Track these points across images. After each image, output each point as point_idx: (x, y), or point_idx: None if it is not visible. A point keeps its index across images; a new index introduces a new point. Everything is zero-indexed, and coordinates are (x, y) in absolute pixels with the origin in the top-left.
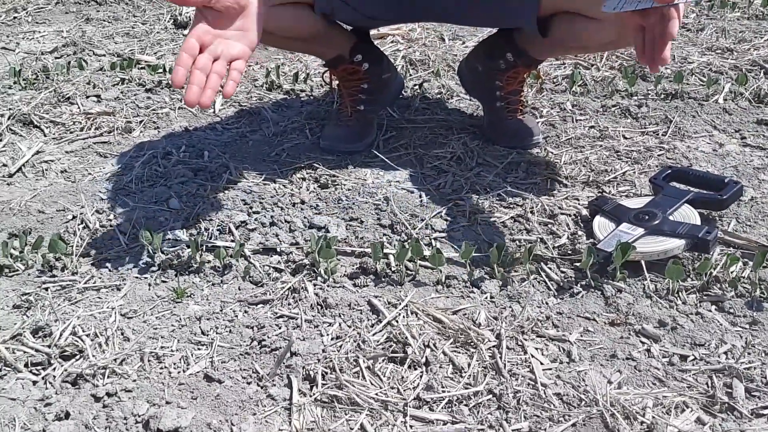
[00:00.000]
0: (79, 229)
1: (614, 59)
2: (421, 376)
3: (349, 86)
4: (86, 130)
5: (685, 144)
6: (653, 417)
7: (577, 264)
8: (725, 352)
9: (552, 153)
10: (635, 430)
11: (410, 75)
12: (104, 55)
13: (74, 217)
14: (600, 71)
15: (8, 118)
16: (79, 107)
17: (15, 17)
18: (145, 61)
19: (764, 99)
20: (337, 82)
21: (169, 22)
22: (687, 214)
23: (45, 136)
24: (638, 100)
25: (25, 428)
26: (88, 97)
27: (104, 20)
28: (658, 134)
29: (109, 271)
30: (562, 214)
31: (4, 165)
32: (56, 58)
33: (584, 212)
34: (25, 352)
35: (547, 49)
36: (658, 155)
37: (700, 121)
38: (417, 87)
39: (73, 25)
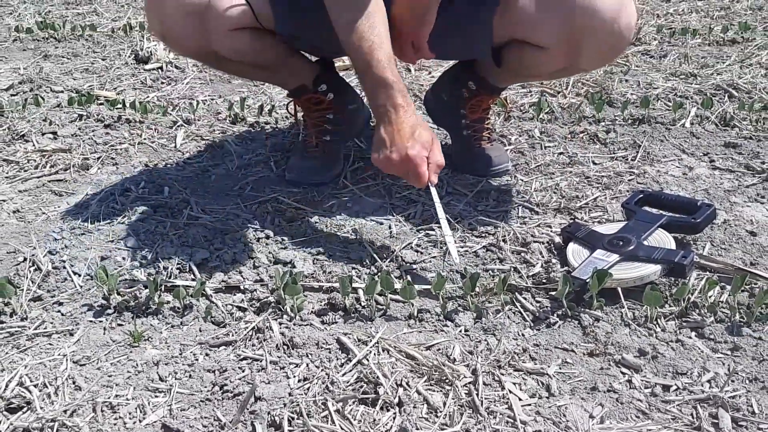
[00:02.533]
0: (30, 272)
1: (580, 86)
2: (394, 418)
3: (314, 117)
4: (41, 168)
5: (654, 168)
6: None
7: (553, 293)
8: (708, 381)
9: (522, 180)
10: None
11: None
12: (62, 91)
13: (25, 259)
14: (567, 98)
15: None
16: (34, 144)
17: None
18: (105, 96)
19: (730, 122)
20: (301, 113)
21: (130, 57)
22: (662, 239)
23: None
24: (606, 125)
25: None
26: (44, 134)
27: (63, 56)
28: (627, 159)
29: (62, 315)
30: (535, 241)
31: None
32: (12, 95)
33: (557, 239)
34: None
35: (505, 77)
36: (629, 180)
37: (668, 146)
38: None
39: (30, 62)
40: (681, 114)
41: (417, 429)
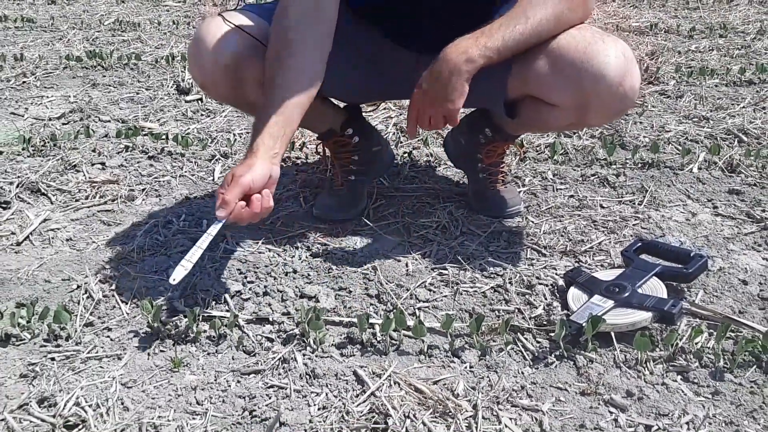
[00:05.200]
0: (83, 299)
1: (594, 128)
2: None
3: (340, 158)
4: (91, 198)
5: (659, 213)
6: None
7: (552, 335)
8: (687, 422)
9: (533, 222)
10: None
11: (401, 142)
12: (109, 121)
13: (78, 287)
14: (581, 140)
15: (17, 186)
16: (84, 175)
17: (24, 82)
18: (149, 128)
19: (736, 168)
20: (329, 153)
21: (172, 87)
22: (655, 287)
23: (52, 203)
24: (616, 168)
25: None
26: (93, 164)
27: (110, 85)
28: (634, 203)
29: (111, 340)
30: (539, 284)
31: (13, 233)
32: (63, 124)
33: (560, 282)
34: (31, 422)
35: (518, 128)
36: (633, 225)
37: (674, 191)
38: (407, 154)
39: (79, 90)
40: (690, 159)
41: None
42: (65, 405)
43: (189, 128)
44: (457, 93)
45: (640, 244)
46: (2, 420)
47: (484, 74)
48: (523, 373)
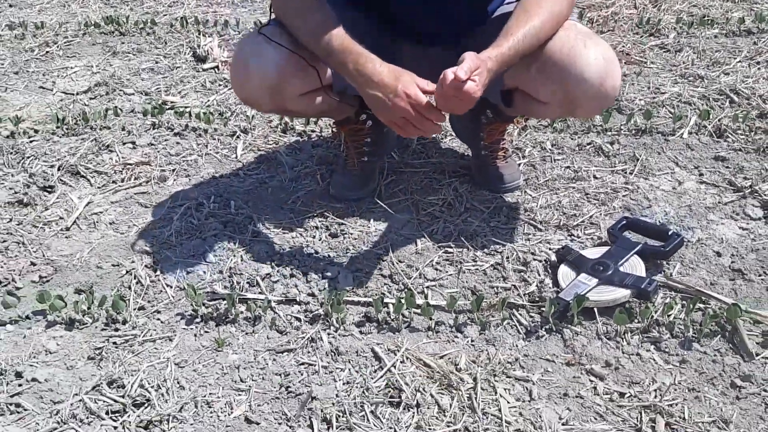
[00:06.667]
0: (133, 284)
1: None
2: (412, 417)
3: (354, 140)
4: (127, 181)
5: (648, 182)
6: None
7: (543, 311)
8: (655, 390)
9: (531, 196)
10: None
11: None
12: (133, 94)
13: (128, 272)
14: None
15: (58, 169)
16: (117, 155)
17: (47, 51)
18: (171, 102)
19: (723, 133)
20: (343, 135)
21: (188, 54)
22: (635, 265)
23: (91, 185)
24: (611, 136)
25: None
26: (124, 143)
27: (129, 53)
28: (625, 173)
29: (161, 323)
30: (534, 259)
31: (61, 218)
32: (91, 98)
33: (553, 258)
34: (105, 402)
35: (514, 113)
36: (623, 196)
37: (664, 158)
38: None
39: (101, 60)
40: (681, 124)
41: (429, 426)
42: (132, 387)
43: (209, 100)
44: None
45: (624, 221)
46: (80, 401)
47: None
48: (517, 345)
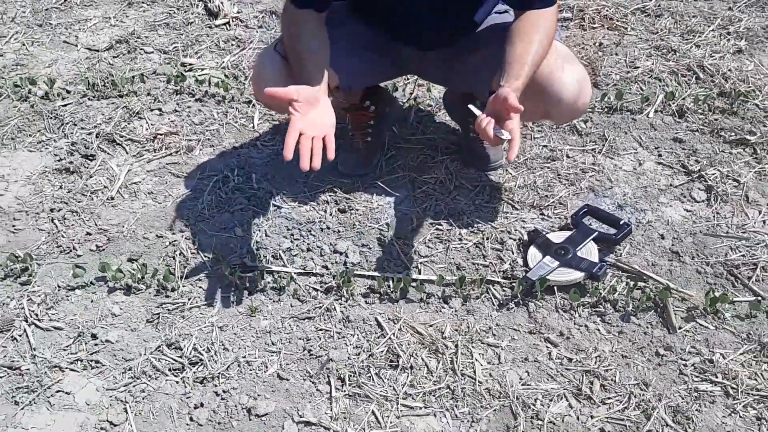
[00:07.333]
0: (177, 256)
1: None
2: (407, 377)
3: (358, 123)
4: (158, 151)
5: (613, 162)
6: (540, 405)
7: (513, 286)
8: (596, 356)
9: (511, 175)
10: (528, 415)
11: (406, 84)
12: (152, 52)
13: (171, 243)
14: None
15: (96, 136)
16: (147, 122)
17: (66, 1)
18: (190, 65)
19: (684, 114)
20: (349, 118)
21: (200, 8)
22: (590, 250)
23: (126, 153)
24: (587, 114)
25: (176, 413)
26: (152, 110)
27: (143, 3)
28: (594, 152)
29: (203, 290)
30: (510, 238)
31: (105, 187)
32: (114, 57)
33: (525, 237)
34: (167, 361)
35: None
36: (590, 177)
37: (630, 138)
38: (412, 99)
39: (117, 11)
40: (649, 102)
41: (420, 385)
42: (187, 349)
43: (224, 61)
44: None
45: (585, 209)
46: (147, 360)
47: (477, 72)
48: (491, 316)
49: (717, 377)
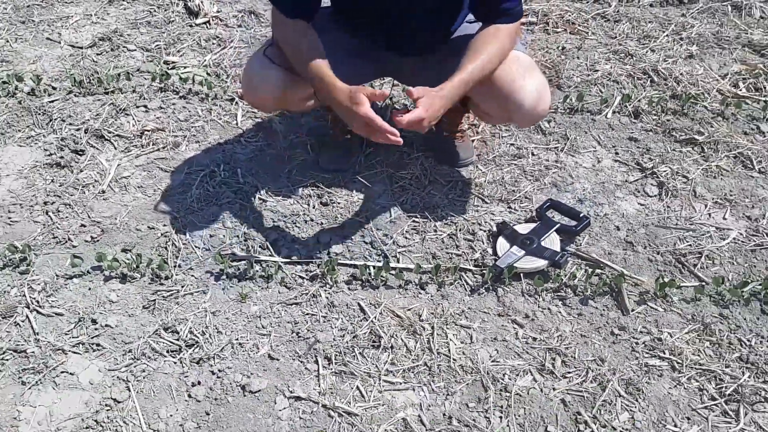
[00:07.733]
0: (169, 246)
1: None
2: (388, 356)
3: (340, 122)
4: (146, 147)
5: (574, 160)
6: (508, 379)
7: (484, 273)
8: (558, 336)
9: (481, 171)
10: (497, 388)
11: (382, 84)
12: (135, 50)
13: (163, 235)
14: None
15: (85, 132)
16: (133, 118)
17: None
18: (172, 62)
19: (639, 115)
20: (331, 116)
21: (180, 7)
22: (553, 240)
23: (115, 149)
24: (550, 115)
25: (175, 390)
26: (138, 107)
27: (123, 0)
28: (557, 150)
29: (195, 279)
30: (480, 230)
31: (96, 181)
32: (98, 54)
33: (494, 228)
34: (164, 343)
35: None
36: (553, 173)
37: (589, 137)
38: (388, 99)
39: (97, 7)
40: (607, 104)
41: (400, 363)
42: (184, 332)
43: (205, 59)
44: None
45: (549, 203)
46: (146, 342)
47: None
48: (464, 300)
49: (665, 353)
